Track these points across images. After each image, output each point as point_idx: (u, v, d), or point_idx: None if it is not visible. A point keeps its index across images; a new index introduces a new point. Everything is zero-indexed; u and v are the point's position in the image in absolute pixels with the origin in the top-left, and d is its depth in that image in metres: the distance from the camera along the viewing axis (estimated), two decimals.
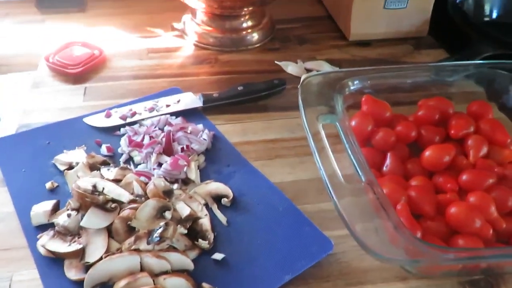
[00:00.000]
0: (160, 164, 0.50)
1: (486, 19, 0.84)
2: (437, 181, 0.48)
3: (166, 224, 0.39)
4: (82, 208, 0.42)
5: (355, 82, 0.53)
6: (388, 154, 0.50)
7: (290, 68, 0.70)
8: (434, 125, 0.53)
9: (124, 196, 0.43)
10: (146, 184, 0.46)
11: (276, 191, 0.49)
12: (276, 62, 0.71)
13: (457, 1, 0.81)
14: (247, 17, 0.75)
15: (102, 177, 0.46)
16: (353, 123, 0.52)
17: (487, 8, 0.83)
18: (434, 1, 0.77)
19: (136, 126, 0.55)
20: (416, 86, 0.59)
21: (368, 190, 0.40)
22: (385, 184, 0.45)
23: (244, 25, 0.76)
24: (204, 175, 0.50)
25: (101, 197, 0.42)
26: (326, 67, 0.70)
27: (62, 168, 0.49)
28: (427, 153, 0.48)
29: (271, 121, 0.60)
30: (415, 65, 0.59)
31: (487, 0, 0.83)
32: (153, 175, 0.48)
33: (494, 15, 0.84)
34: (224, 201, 0.47)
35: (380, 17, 0.76)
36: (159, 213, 0.41)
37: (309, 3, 0.89)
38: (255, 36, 0.76)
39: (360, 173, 0.41)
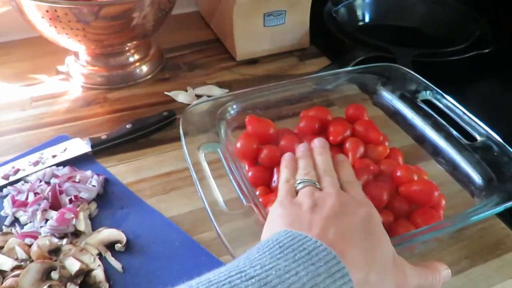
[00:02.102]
0: (48, 221, 0.48)
1: (360, 23, 0.91)
2: None
3: (50, 287, 0.38)
4: None
5: (234, 106, 0.54)
6: (275, 170, 0.52)
7: (181, 96, 0.70)
8: (315, 134, 0.56)
9: (5, 264, 0.41)
10: (31, 246, 0.44)
11: (171, 226, 0.49)
12: (166, 93, 0.71)
13: (332, 11, 0.87)
14: (132, 51, 0.75)
15: None
16: (238, 145, 0.53)
17: (359, 15, 0.91)
18: (309, 14, 0.82)
19: (19, 184, 0.53)
20: (299, 98, 0.62)
21: (252, 211, 0.42)
22: (272, 199, 0.46)
23: (131, 59, 0.75)
24: (97, 223, 0.49)
25: None
26: (216, 91, 0.72)
27: None
28: None
29: (164, 154, 0.60)
30: (295, 79, 0.62)
31: (357, 8, 0.91)
32: (41, 234, 0.46)
33: (366, 19, 0.91)
34: (118, 246, 0.46)
35: (262, 35, 0.80)
36: (45, 275, 0.40)
37: (197, 28, 0.91)
38: (144, 68, 0.76)
39: (241, 196, 0.43)
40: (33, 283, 0.39)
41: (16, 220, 0.49)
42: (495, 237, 0.51)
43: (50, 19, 0.61)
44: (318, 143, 0.45)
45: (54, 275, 0.40)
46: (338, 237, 0.32)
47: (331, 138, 0.55)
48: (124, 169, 0.57)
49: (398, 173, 0.50)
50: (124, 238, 0.46)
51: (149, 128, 0.62)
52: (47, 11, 0.60)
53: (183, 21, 0.92)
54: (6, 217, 0.49)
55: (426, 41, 0.86)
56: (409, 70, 0.60)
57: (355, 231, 0.33)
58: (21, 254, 0.42)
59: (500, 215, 0.53)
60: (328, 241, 0.31)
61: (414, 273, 0.35)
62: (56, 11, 0.60)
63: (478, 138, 0.51)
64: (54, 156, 0.57)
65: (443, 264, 0.38)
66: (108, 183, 0.54)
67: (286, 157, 0.44)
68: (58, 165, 0.56)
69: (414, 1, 0.92)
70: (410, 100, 0.57)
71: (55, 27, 0.62)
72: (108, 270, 0.44)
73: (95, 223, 0.49)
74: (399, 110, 0.58)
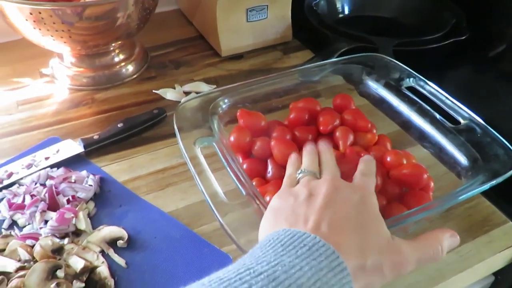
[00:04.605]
0: (47, 222, 0.48)
1: (340, 16, 0.93)
2: None
3: (58, 285, 0.38)
4: None
5: (225, 100, 0.55)
6: (268, 161, 0.53)
7: (169, 94, 0.71)
8: (305, 125, 0.58)
9: (9, 265, 0.41)
10: (33, 247, 0.44)
11: (171, 221, 0.50)
12: (154, 91, 0.72)
13: (312, 4, 0.89)
14: (117, 51, 0.75)
15: None
16: (231, 138, 0.54)
17: (338, 7, 0.92)
18: (291, 8, 0.83)
19: (14, 188, 0.52)
20: (286, 90, 0.63)
21: (251, 201, 0.43)
22: (268, 190, 0.48)
23: (116, 59, 0.75)
24: (96, 221, 0.50)
25: None
26: (203, 87, 0.72)
27: None
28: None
29: (157, 151, 0.61)
30: (282, 72, 0.64)
31: (337, 0, 0.92)
32: (41, 235, 0.47)
33: (346, 11, 0.93)
34: (120, 243, 0.47)
35: (246, 30, 0.81)
36: (50, 274, 0.40)
37: (179, 25, 0.91)
38: (130, 68, 0.76)
39: (240, 187, 0.44)
40: (39, 282, 0.39)
41: (13, 223, 0.49)
42: (482, 214, 0.54)
43: (34, 21, 0.61)
44: (322, 144, 0.48)
45: (60, 273, 0.40)
46: (332, 229, 0.33)
47: (321, 128, 0.56)
48: (118, 168, 0.58)
49: (388, 159, 0.52)
50: (125, 235, 0.47)
51: (141, 126, 0.62)
52: (30, 14, 0.59)
53: (164, 20, 0.92)
54: (3, 220, 0.49)
55: (403, 30, 0.89)
56: (392, 59, 0.62)
57: (349, 218, 0.34)
58: (24, 255, 0.43)
59: (485, 193, 0.56)
60: (323, 234, 0.32)
61: (411, 250, 0.36)
62: (40, 13, 0.59)
63: (462, 121, 0.53)
64: (47, 158, 0.57)
65: (448, 230, 0.38)
66: (104, 182, 0.55)
67: (292, 156, 0.47)
68: (51, 166, 0.56)
69: None
70: (395, 87, 0.59)
71: (40, 29, 0.62)
72: (112, 266, 0.45)
73: (94, 221, 0.50)
74: (385, 98, 0.60)
